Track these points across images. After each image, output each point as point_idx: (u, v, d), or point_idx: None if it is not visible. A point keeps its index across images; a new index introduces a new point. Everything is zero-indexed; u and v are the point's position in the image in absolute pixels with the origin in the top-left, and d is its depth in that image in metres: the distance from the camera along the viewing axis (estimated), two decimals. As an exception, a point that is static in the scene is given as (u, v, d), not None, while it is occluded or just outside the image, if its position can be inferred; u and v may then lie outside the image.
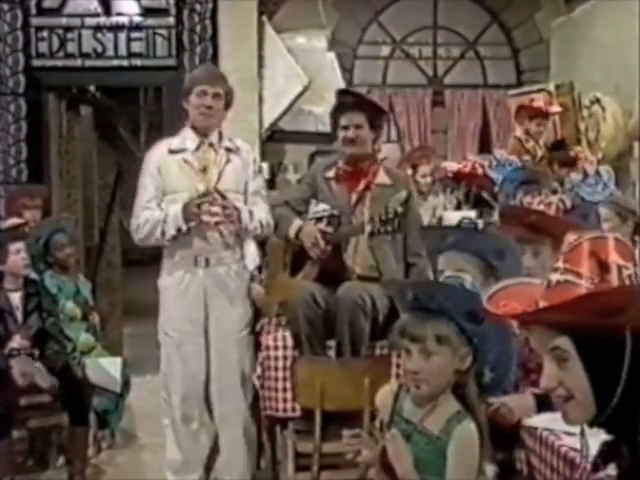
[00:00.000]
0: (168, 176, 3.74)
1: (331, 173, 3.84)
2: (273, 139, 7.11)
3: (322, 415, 3.49)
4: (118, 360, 4.95)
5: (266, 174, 6.92)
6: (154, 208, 3.75)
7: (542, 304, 1.45)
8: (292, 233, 3.75)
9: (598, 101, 7.35)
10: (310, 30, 7.45)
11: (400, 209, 3.49)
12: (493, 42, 8.84)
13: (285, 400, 3.76)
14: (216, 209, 3.66)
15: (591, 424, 1.48)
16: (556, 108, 7.02)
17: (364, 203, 3.75)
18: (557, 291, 1.46)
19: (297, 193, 3.99)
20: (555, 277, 1.49)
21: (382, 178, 3.82)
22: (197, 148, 3.76)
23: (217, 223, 3.70)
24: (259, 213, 3.82)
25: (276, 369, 3.79)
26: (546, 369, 1.48)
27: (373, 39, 8.72)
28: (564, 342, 1.45)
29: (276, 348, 3.80)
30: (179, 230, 3.69)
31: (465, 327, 2.09)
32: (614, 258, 1.46)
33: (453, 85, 8.87)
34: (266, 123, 6.81)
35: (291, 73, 6.84)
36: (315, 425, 3.49)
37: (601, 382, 1.43)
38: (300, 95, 6.87)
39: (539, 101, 7.01)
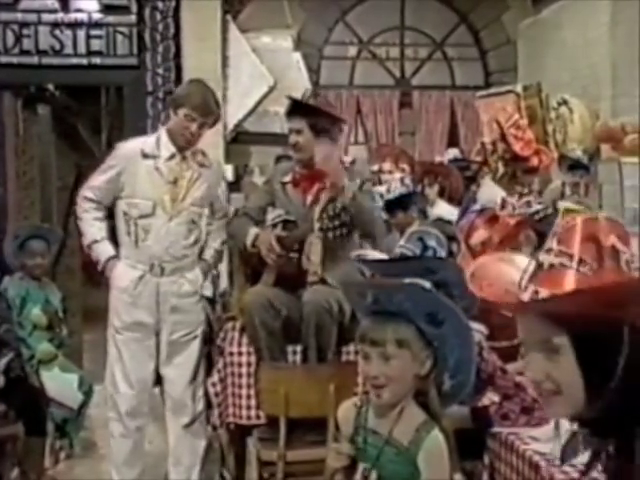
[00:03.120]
0: (134, 179, 3.73)
1: (288, 177, 3.84)
2: (238, 140, 7.00)
3: (287, 422, 3.42)
4: (75, 377, 4.82)
5: (230, 176, 6.82)
6: (94, 199, 3.79)
7: (533, 289, 1.42)
8: (249, 242, 3.74)
9: (566, 103, 7.35)
10: (275, 30, 7.36)
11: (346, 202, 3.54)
12: (461, 43, 8.84)
13: (249, 407, 3.71)
14: None
15: (574, 419, 1.43)
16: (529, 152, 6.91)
17: (318, 203, 3.73)
18: (550, 276, 1.41)
19: (255, 202, 4.00)
20: (547, 259, 1.44)
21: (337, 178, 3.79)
22: (170, 157, 3.77)
23: None
24: (213, 244, 3.97)
25: (240, 376, 3.75)
26: (533, 361, 1.41)
27: (340, 39, 8.67)
28: (558, 335, 1.38)
29: (240, 354, 3.77)
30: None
31: (425, 330, 2.04)
32: (612, 241, 1.40)
33: (421, 86, 8.85)
34: (230, 124, 6.70)
35: (256, 73, 6.73)
36: (280, 433, 3.42)
37: (594, 378, 1.36)
38: (265, 96, 6.77)
39: (524, 135, 6.94)
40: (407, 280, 2.33)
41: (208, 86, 3.96)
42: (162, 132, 3.85)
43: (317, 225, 3.56)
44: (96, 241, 3.80)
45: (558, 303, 1.38)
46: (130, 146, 3.85)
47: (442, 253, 3.07)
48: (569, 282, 1.39)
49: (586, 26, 7.30)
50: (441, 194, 5.57)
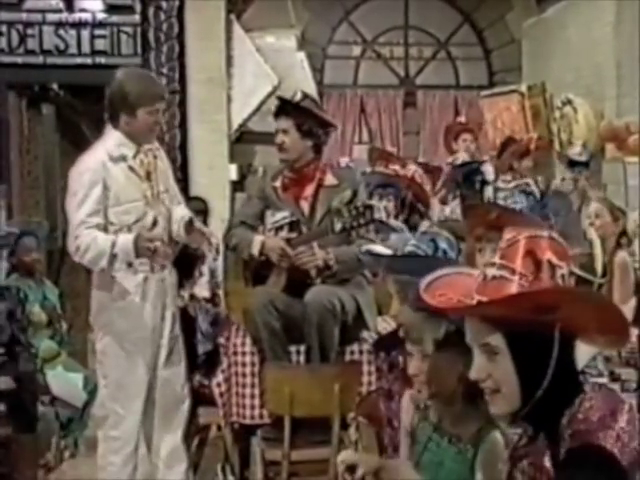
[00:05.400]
0: (116, 186, 3.59)
1: (278, 182, 3.81)
2: (242, 140, 7.01)
3: (291, 422, 3.42)
4: (79, 376, 4.82)
5: (234, 176, 6.83)
6: (94, 225, 3.55)
7: (477, 298, 1.55)
8: (256, 251, 3.70)
9: (570, 102, 7.34)
10: (279, 29, 7.37)
11: (344, 207, 3.51)
12: (465, 42, 8.84)
13: (253, 407, 3.70)
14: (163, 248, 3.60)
15: (514, 417, 1.59)
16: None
17: (317, 208, 3.72)
18: (491, 286, 1.55)
19: (250, 209, 3.95)
20: (490, 272, 1.58)
21: (329, 180, 3.78)
22: (135, 155, 3.67)
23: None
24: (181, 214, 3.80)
25: (244, 375, 3.73)
26: (476, 361, 1.59)
27: (344, 39, 8.68)
28: (495, 338, 1.55)
29: (244, 354, 3.74)
30: (129, 264, 3.59)
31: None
32: (548, 257, 1.55)
33: (425, 86, 8.85)
34: (235, 124, 6.71)
35: (260, 73, 6.74)
36: (284, 432, 3.41)
37: (528, 377, 1.54)
38: (270, 95, 6.76)
39: None
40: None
41: (139, 70, 3.92)
42: (113, 135, 3.65)
43: (339, 225, 3.51)
44: (114, 241, 3.51)
45: (492, 306, 1.53)
46: (92, 159, 3.63)
47: (453, 255, 3.06)
48: (509, 292, 1.53)
49: (590, 25, 7.29)
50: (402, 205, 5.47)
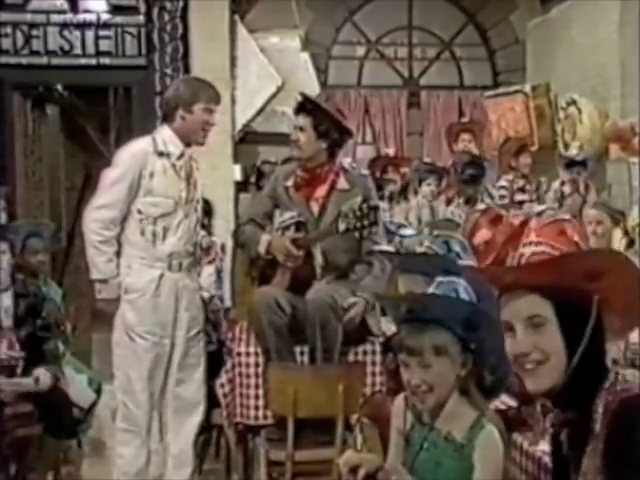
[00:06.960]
0: (153, 178, 3.69)
1: (290, 182, 3.81)
2: (246, 141, 7.01)
3: (295, 422, 3.42)
4: (84, 376, 4.83)
5: (239, 176, 6.83)
6: (113, 225, 3.66)
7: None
8: (262, 250, 3.73)
9: (574, 103, 7.34)
10: (283, 30, 7.36)
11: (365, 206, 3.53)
12: (469, 43, 8.84)
13: (257, 407, 3.71)
14: None
15: (550, 392, 1.58)
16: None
17: (327, 210, 3.72)
18: (534, 260, 1.58)
19: (260, 208, 3.97)
20: (529, 249, 1.60)
21: (342, 184, 3.79)
22: (180, 155, 3.75)
23: None
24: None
25: (248, 376, 3.74)
26: (520, 336, 1.59)
27: (347, 39, 8.69)
28: (544, 307, 1.57)
29: (248, 355, 3.76)
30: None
31: (462, 335, 2.09)
32: (576, 238, 1.62)
33: (429, 86, 8.85)
34: (239, 124, 6.71)
35: (264, 73, 6.74)
36: (288, 433, 3.41)
37: (573, 346, 1.56)
38: (273, 96, 6.78)
39: None
40: (441, 279, 2.34)
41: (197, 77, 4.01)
42: (165, 131, 3.77)
43: (342, 225, 3.53)
44: (106, 281, 3.69)
45: (540, 269, 1.55)
46: (135, 148, 3.77)
47: (465, 259, 3.08)
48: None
49: (595, 26, 7.28)
50: None
